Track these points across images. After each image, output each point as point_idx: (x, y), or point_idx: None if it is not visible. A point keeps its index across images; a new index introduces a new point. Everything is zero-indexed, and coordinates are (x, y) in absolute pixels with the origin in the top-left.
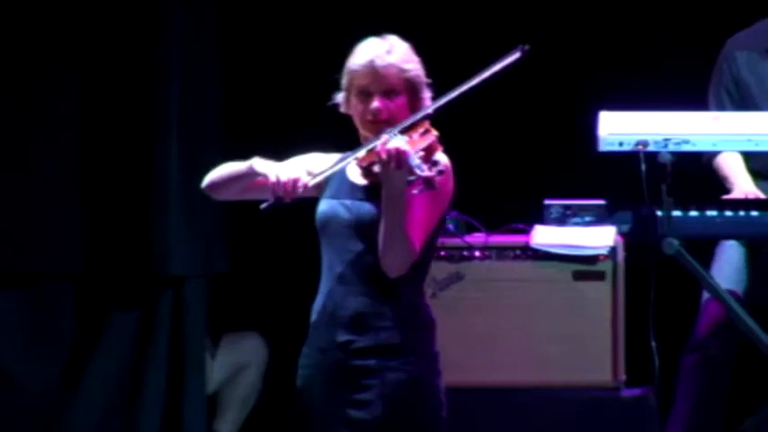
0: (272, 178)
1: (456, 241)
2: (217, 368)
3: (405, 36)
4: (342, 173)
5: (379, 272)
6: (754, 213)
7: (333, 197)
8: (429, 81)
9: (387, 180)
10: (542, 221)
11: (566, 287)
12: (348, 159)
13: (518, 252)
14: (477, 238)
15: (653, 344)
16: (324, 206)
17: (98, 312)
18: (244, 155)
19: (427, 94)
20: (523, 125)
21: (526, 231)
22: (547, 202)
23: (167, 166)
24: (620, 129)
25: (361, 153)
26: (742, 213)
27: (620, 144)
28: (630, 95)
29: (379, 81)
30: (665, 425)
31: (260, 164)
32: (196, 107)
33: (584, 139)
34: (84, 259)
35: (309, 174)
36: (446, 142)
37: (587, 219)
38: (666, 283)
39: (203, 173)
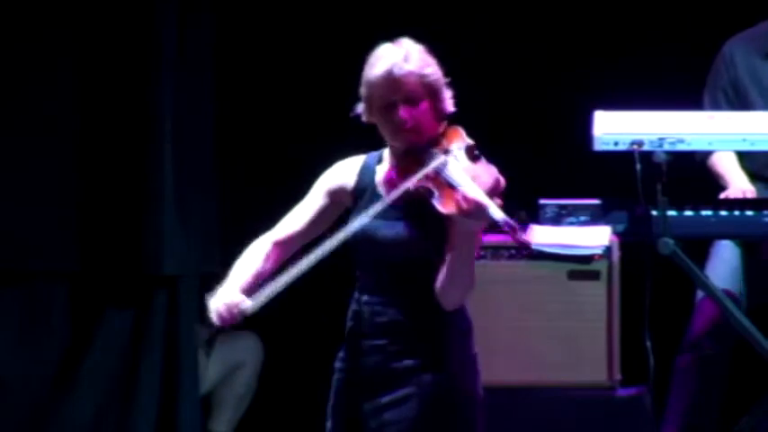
0: (213, 314)
1: None
2: (212, 367)
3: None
4: (373, 185)
5: (418, 284)
6: (749, 213)
7: (367, 213)
8: (448, 80)
9: (462, 225)
10: (537, 221)
11: (561, 287)
12: (405, 186)
13: (513, 252)
14: None
15: (648, 343)
16: (359, 222)
17: (91, 312)
18: (239, 155)
19: (448, 95)
20: (519, 124)
21: (523, 228)
22: (542, 201)
23: (161, 167)
24: (615, 128)
25: (416, 179)
26: (737, 213)
27: (616, 144)
28: (625, 95)
29: (399, 90)
30: (660, 424)
31: (215, 297)
32: (190, 108)
33: (579, 138)
34: (78, 258)
35: (338, 191)
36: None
37: (582, 218)
38: (661, 282)
39: (195, 173)
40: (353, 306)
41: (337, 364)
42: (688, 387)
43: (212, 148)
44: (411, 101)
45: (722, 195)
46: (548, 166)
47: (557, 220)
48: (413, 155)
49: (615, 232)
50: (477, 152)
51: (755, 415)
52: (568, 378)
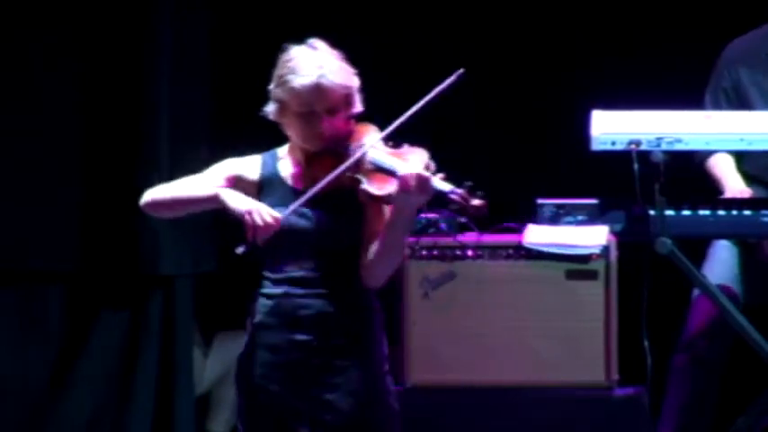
0: (249, 222)
1: (448, 240)
2: (209, 367)
3: (400, 35)
4: (280, 179)
5: (340, 277)
6: (747, 213)
7: (281, 205)
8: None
9: (403, 203)
10: (535, 220)
11: (558, 286)
12: (331, 177)
13: (511, 251)
14: (470, 237)
15: (646, 343)
16: (285, 215)
17: (88, 312)
18: (233, 154)
19: (359, 99)
20: (516, 124)
21: (519, 230)
22: (539, 201)
23: (157, 167)
24: (612, 128)
25: (339, 171)
26: (735, 212)
27: (613, 143)
28: (623, 95)
29: (324, 101)
30: (657, 424)
31: (231, 198)
32: (187, 106)
33: (576, 138)
34: (74, 258)
35: (239, 179)
36: (440, 141)
37: (580, 218)
38: (659, 282)
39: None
40: (267, 299)
41: (245, 361)
42: (684, 386)
43: (209, 148)
44: (332, 111)
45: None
46: (545, 165)
47: (554, 219)
48: (327, 152)
49: (613, 232)
50: (393, 141)
51: (751, 415)
52: (566, 378)
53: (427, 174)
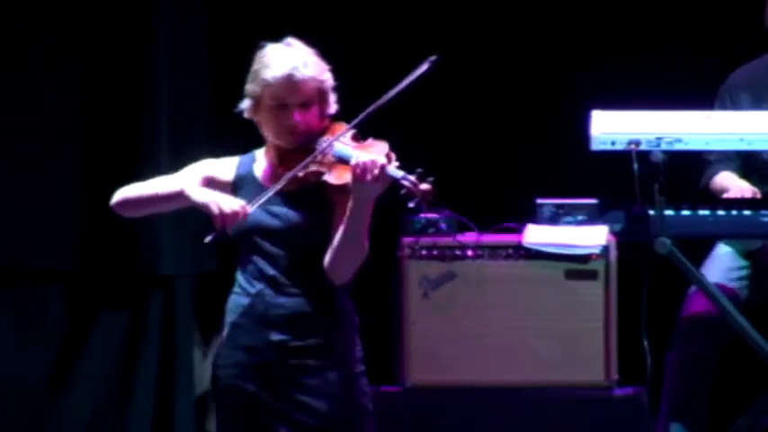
0: (215, 210)
1: (448, 240)
2: (209, 368)
3: (399, 35)
4: (253, 178)
5: (313, 275)
6: (747, 213)
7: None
8: (336, 84)
9: (360, 192)
10: (535, 220)
11: (558, 286)
12: (295, 171)
13: (510, 251)
14: (470, 237)
15: (645, 343)
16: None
17: (88, 312)
18: (232, 154)
19: (333, 98)
20: (515, 124)
21: (518, 230)
22: (539, 201)
23: (157, 166)
24: (612, 128)
25: (303, 165)
26: (734, 213)
27: (613, 143)
28: (623, 95)
29: (297, 93)
30: (656, 422)
31: (196, 192)
32: (187, 106)
33: (576, 138)
34: (74, 258)
35: (213, 180)
36: (439, 141)
37: (580, 218)
38: (659, 282)
39: None
40: (242, 299)
41: (219, 361)
42: (680, 383)
43: (210, 146)
44: (305, 105)
45: (723, 196)
46: (545, 165)
47: (554, 219)
48: (299, 149)
49: (612, 232)
50: (360, 135)
51: (751, 415)
52: (565, 378)
53: (381, 161)
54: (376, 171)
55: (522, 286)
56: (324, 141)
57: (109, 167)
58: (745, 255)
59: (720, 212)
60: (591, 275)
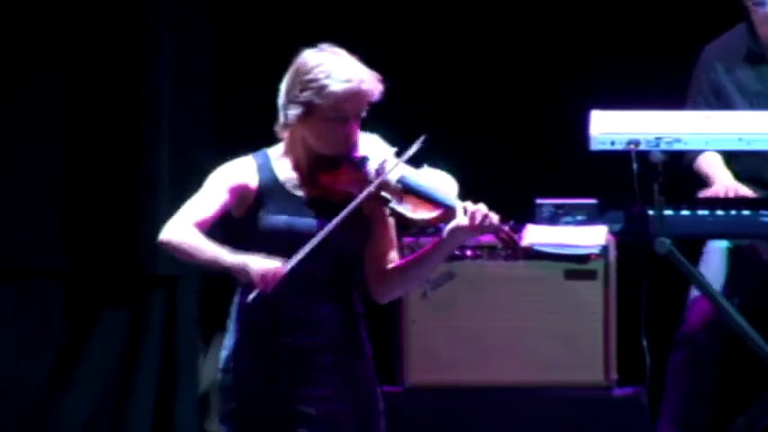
0: (254, 276)
1: None
2: (208, 368)
3: (399, 35)
4: (279, 185)
5: (339, 281)
6: (746, 213)
7: (282, 213)
8: None
9: (457, 236)
10: (534, 220)
11: (557, 286)
12: (361, 197)
13: (510, 251)
14: None
15: (645, 343)
16: (278, 221)
17: (87, 311)
18: (234, 155)
19: None
20: (515, 124)
21: (517, 230)
22: (538, 201)
23: (157, 165)
24: (611, 128)
25: (373, 187)
26: (733, 213)
27: (612, 143)
28: (622, 95)
29: (360, 105)
30: (657, 423)
31: (232, 258)
32: (187, 107)
33: (575, 138)
34: (74, 258)
35: (243, 189)
36: (439, 141)
37: (579, 218)
38: (658, 282)
39: (194, 172)
40: (258, 301)
41: (231, 364)
42: (685, 384)
43: (212, 146)
44: (359, 116)
45: (705, 193)
46: (544, 165)
47: (553, 219)
48: (338, 159)
49: (612, 232)
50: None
51: (751, 415)
52: (565, 378)
53: (486, 211)
54: (485, 222)
55: (521, 286)
56: (381, 163)
57: (109, 167)
58: (729, 251)
59: (720, 212)
60: (590, 276)
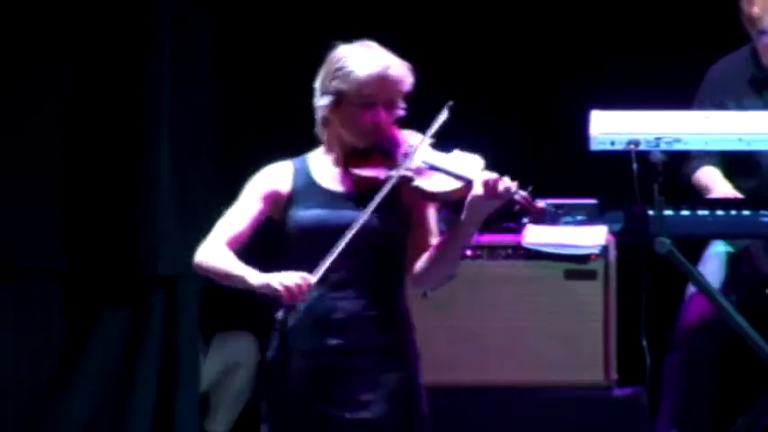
0: (281, 291)
1: None
2: (208, 368)
3: (398, 38)
4: (315, 185)
5: (379, 276)
6: (746, 213)
7: (318, 208)
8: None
9: (478, 207)
10: (534, 220)
11: (557, 286)
12: (394, 179)
13: (509, 251)
14: None
15: (644, 343)
16: (312, 215)
17: (88, 311)
18: (234, 155)
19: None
20: (514, 123)
21: (518, 230)
22: (538, 201)
23: (157, 165)
24: (611, 128)
25: (402, 171)
26: (733, 213)
27: (612, 143)
28: (622, 95)
29: (387, 91)
30: (656, 423)
31: (256, 278)
32: (187, 107)
33: (575, 138)
34: (74, 258)
35: (275, 195)
36: (438, 140)
37: (579, 218)
38: (658, 282)
39: (193, 172)
40: (288, 314)
41: (273, 367)
42: (682, 383)
43: (212, 146)
44: (390, 105)
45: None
46: (544, 165)
47: (553, 219)
48: (374, 150)
49: (612, 232)
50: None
51: (751, 415)
52: (565, 378)
53: (506, 179)
54: (501, 189)
55: (521, 286)
56: (408, 145)
57: (109, 167)
58: (730, 255)
59: (720, 213)
60: (590, 275)
